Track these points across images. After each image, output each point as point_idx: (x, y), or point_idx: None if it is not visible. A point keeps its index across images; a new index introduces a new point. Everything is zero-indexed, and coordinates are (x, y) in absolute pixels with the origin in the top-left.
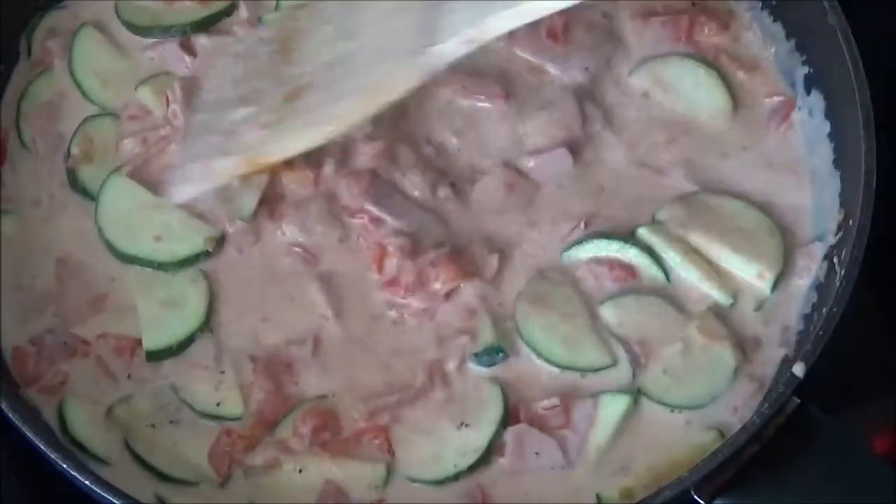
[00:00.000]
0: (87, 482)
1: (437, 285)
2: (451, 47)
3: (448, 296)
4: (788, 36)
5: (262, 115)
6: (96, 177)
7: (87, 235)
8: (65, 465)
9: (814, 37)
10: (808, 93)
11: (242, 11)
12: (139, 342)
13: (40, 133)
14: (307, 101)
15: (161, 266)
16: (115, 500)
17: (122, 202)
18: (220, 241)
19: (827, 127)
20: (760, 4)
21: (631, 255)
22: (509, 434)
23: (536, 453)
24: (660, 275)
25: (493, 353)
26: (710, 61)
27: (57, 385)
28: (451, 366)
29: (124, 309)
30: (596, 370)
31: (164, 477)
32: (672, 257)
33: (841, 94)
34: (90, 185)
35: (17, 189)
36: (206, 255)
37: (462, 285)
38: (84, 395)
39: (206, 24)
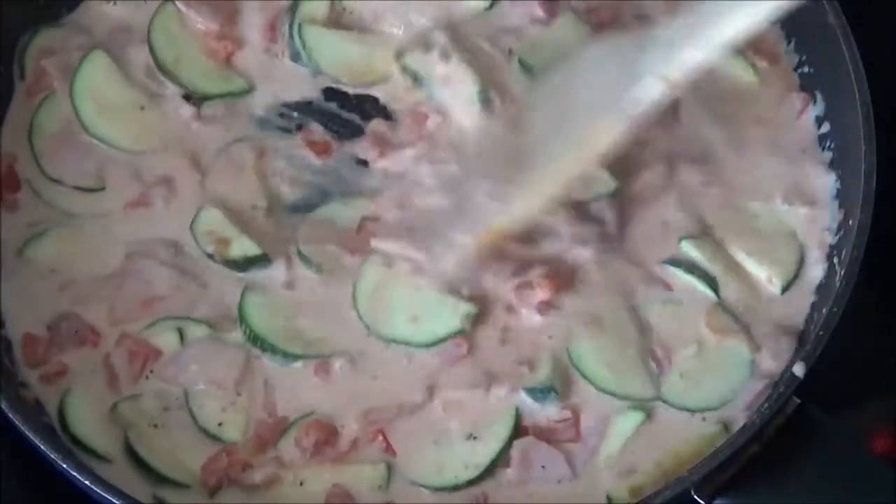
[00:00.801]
0: (87, 482)
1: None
2: (649, 90)
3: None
4: (788, 36)
5: (500, 188)
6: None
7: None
8: (65, 465)
9: (814, 37)
10: (809, 93)
11: (260, 97)
12: (157, 353)
13: (65, 167)
14: (531, 171)
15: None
16: (115, 501)
17: (371, 281)
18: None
19: (827, 127)
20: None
21: (688, 278)
22: (516, 447)
23: (543, 466)
24: (710, 294)
25: (547, 392)
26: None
27: (56, 374)
28: (500, 392)
29: (169, 318)
30: (637, 400)
31: (161, 478)
32: (717, 270)
33: (841, 94)
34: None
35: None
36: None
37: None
38: (85, 390)
39: (215, 97)
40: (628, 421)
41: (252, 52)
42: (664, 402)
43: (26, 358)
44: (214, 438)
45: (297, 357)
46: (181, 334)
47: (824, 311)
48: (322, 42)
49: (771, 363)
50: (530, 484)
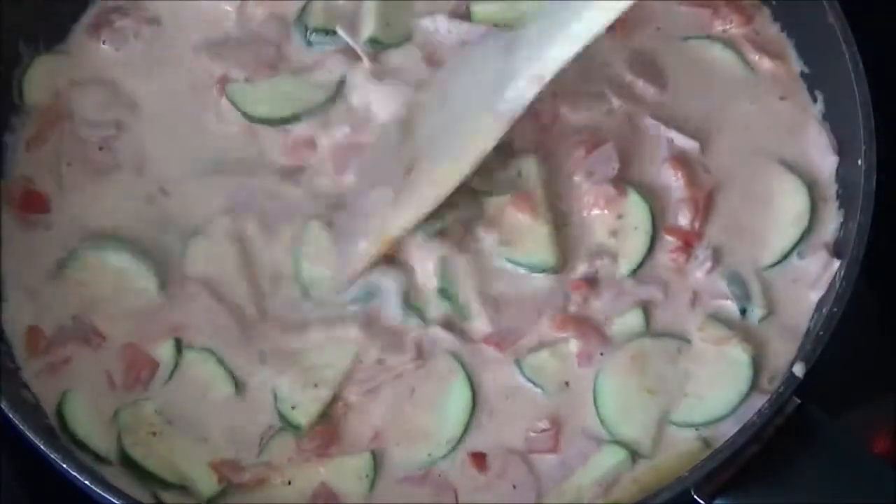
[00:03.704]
0: (86, 482)
1: None
2: (522, 90)
3: None
4: (788, 36)
5: (390, 193)
6: None
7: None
8: (65, 465)
9: (814, 37)
10: (809, 93)
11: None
12: (154, 365)
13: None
14: (417, 173)
15: None
16: (114, 501)
17: None
18: None
19: (826, 126)
20: (768, 11)
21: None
22: (497, 456)
23: (514, 486)
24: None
25: None
26: (730, 43)
27: (62, 363)
28: None
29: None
30: (625, 445)
31: (159, 482)
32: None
33: (841, 94)
34: None
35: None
36: None
37: None
38: (85, 391)
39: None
40: (609, 457)
41: None
42: (673, 423)
43: (29, 348)
44: (286, 421)
45: None
46: (178, 348)
47: (824, 311)
48: None
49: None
50: (494, 493)
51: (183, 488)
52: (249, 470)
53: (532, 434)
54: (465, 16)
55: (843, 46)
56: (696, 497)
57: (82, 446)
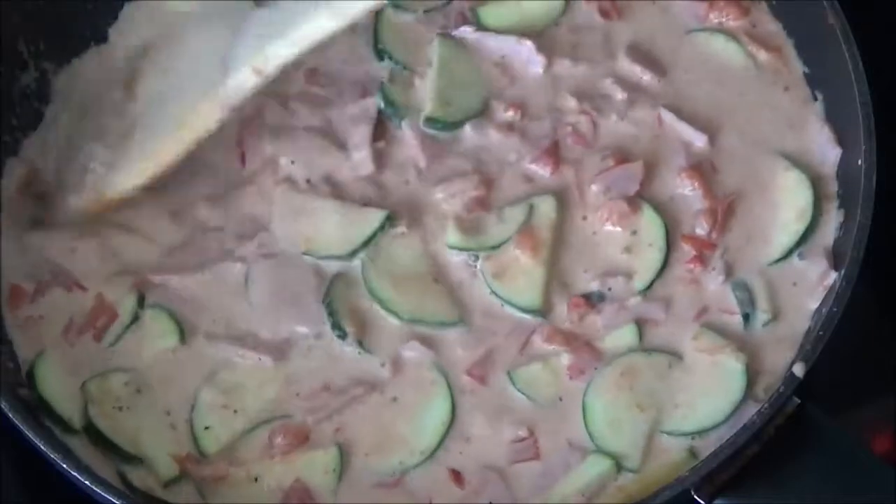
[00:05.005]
0: (86, 482)
1: None
2: (241, 79)
3: None
4: (788, 36)
5: (107, 152)
6: None
7: None
8: (65, 465)
9: (814, 37)
10: (809, 92)
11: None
12: (113, 315)
13: None
14: (136, 139)
15: None
16: (115, 501)
17: None
18: None
19: (827, 127)
20: (765, 5)
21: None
22: (476, 473)
23: (489, 503)
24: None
25: None
26: (732, 36)
27: (35, 319)
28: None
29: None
30: (612, 456)
31: (123, 455)
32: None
33: (841, 94)
34: None
35: None
36: None
37: None
38: (56, 353)
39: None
40: (593, 467)
41: None
42: (664, 433)
43: (12, 305)
44: (194, 441)
45: None
46: (140, 301)
47: (824, 311)
48: None
49: (768, 366)
50: None
51: (143, 462)
52: (212, 465)
53: (514, 444)
54: (472, 21)
55: (843, 46)
56: (696, 497)
57: (50, 412)
